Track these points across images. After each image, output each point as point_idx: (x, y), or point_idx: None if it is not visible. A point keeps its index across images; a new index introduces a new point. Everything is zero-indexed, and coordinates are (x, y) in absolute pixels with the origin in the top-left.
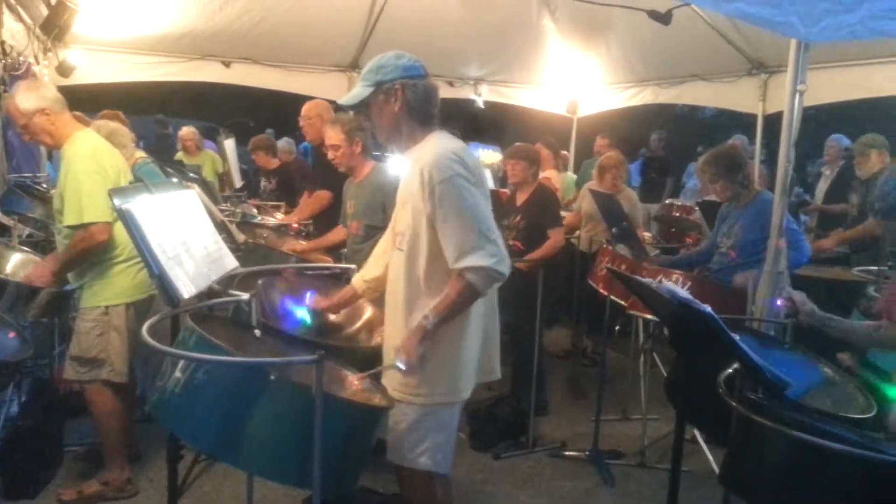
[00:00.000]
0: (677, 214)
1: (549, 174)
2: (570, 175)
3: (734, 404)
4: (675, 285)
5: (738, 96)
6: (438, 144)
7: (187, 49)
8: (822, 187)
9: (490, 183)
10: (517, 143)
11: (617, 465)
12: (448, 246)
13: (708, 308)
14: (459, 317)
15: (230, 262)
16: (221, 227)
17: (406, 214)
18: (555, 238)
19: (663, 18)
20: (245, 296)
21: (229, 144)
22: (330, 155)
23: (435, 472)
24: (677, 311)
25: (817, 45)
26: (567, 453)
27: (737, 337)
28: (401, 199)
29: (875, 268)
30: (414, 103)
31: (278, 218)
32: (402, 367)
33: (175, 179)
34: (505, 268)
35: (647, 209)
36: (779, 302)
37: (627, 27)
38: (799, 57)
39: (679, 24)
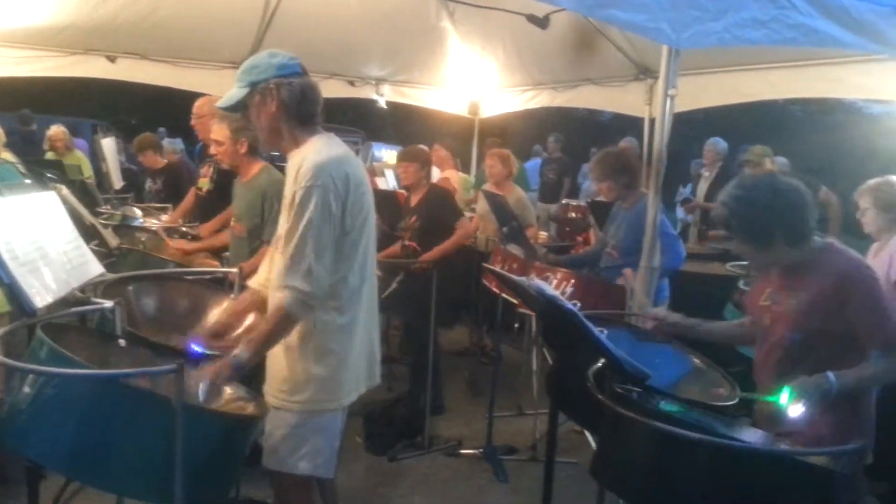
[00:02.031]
0: (573, 214)
1: (448, 174)
2: (467, 177)
3: (598, 396)
4: (545, 283)
5: (628, 100)
6: (319, 151)
7: (68, 43)
8: (702, 188)
9: (392, 183)
10: (409, 146)
11: (510, 461)
12: (283, 254)
13: (570, 304)
14: (345, 321)
15: (95, 269)
16: (93, 232)
17: (284, 218)
18: (463, 228)
19: (541, 23)
20: (108, 303)
21: (108, 143)
22: (213, 150)
23: (315, 477)
24: (546, 308)
25: (696, 52)
26: (463, 451)
27: (603, 332)
28: (283, 203)
29: (745, 262)
30: (290, 102)
31: (163, 220)
32: (200, 395)
33: (29, 181)
34: (320, 299)
35: (546, 209)
36: (648, 325)
37: (522, 31)
38: (670, 62)
39: (570, 29)
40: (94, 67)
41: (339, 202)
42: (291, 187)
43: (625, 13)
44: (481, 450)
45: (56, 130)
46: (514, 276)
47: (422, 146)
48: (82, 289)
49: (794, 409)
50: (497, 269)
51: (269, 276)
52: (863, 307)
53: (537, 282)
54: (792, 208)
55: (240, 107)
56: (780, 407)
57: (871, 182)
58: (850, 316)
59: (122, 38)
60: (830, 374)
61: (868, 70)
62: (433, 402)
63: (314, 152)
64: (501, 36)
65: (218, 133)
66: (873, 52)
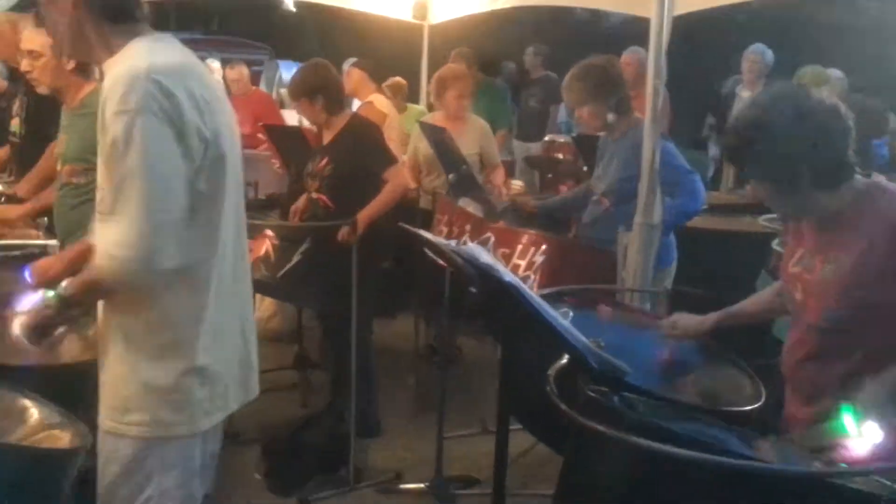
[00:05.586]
0: (560, 155)
1: (372, 98)
2: (420, 108)
3: (558, 402)
4: (482, 247)
5: None
6: (135, 56)
7: None
8: (740, 110)
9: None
10: (298, 72)
11: (468, 496)
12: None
13: (511, 277)
14: (189, 321)
15: None
16: None
17: (101, 160)
18: (394, 181)
19: None
20: None
21: None
22: (24, 66)
23: None
24: (482, 283)
25: None
26: (403, 486)
27: (569, 314)
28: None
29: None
30: None
31: None
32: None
33: None
34: (162, 262)
35: (525, 148)
36: None
37: None
38: None
39: None
40: None
41: (173, 129)
42: (101, 115)
43: None
44: (428, 483)
45: None
46: (436, 239)
47: (318, 62)
48: None
49: (867, 434)
50: (417, 230)
51: None
52: None
53: (470, 246)
54: (824, 137)
55: (28, 5)
56: (845, 434)
57: None
58: None
59: None
60: None
61: None
62: (365, 420)
63: (131, 58)
64: None
65: (32, 41)
66: None
